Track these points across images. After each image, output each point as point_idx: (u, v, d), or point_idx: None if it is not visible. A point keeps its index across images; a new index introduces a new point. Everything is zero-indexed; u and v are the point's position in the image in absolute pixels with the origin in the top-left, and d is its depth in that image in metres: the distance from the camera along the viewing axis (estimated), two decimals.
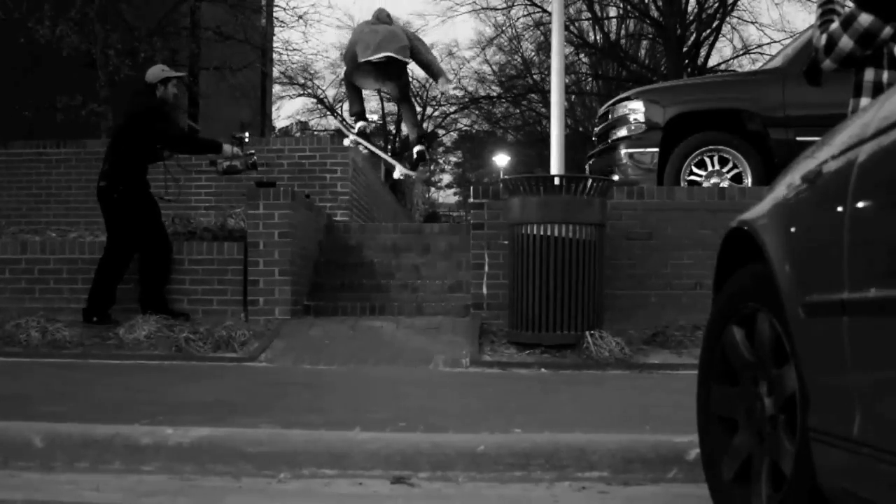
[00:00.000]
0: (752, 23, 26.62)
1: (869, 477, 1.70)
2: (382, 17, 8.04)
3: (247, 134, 7.28)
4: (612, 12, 27.01)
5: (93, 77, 11.17)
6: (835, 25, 3.38)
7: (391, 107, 35.24)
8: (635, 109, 7.63)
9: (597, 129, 8.41)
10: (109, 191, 6.71)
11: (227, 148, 6.96)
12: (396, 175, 8.00)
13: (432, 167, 43.47)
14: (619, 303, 6.61)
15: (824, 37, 3.41)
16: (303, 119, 35.20)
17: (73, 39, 10.85)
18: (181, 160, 7.51)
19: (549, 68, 14.11)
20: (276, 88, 28.31)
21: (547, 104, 20.60)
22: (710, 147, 7.45)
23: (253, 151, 7.05)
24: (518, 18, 27.42)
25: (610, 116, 7.96)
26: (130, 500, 2.83)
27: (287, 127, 34.16)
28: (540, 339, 6.02)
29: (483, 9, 27.20)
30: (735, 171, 7.42)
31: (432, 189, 44.36)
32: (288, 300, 6.89)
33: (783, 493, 2.04)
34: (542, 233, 5.99)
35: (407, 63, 7.73)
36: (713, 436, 2.44)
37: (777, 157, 7.05)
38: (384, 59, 7.60)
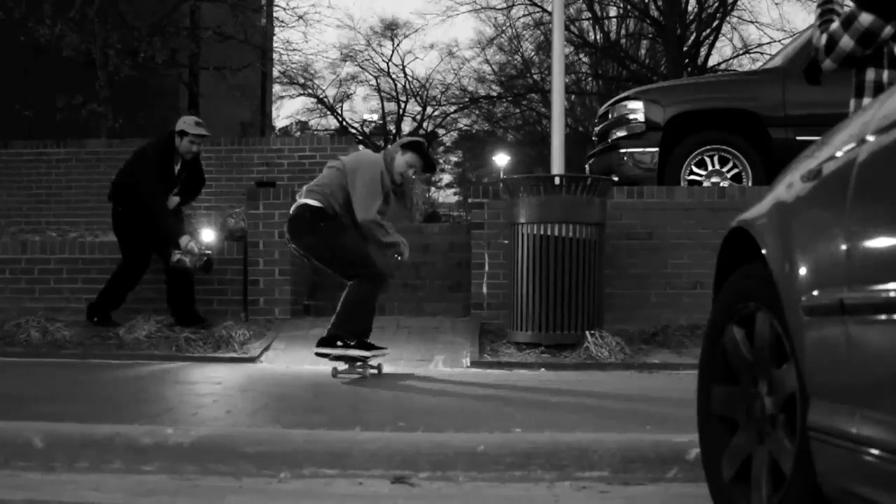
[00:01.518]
0: (752, 22, 26.70)
1: (869, 477, 1.70)
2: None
3: (210, 232, 6.89)
4: (612, 12, 27.04)
5: (93, 77, 11.17)
6: (835, 25, 3.38)
7: (391, 105, 35.28)
8: (635, 109, 7.63)
9: (597, 129, 8.41)
10: (114, 210, 6.75)
11: (183, 240, 6.46)
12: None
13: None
14: (619, 303, 6.61)
15: (824, 37, 3.41)
16: (303, 119, 35.22)
17: (73, 39, 10.86)
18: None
19: (549, 68, 14.11)
20: (276, 88, 28.35)
21: (547, 104, 20.62)
22: (710, 147, 7.45)
23: (209, 252, 6.60)
24: (518, 18, 27.48)
25: (610, 116, 7.96)
26: (130, 500, 2.83)
27: (287, 127, 34.16)
28: (540, 339, 6.03)
29: (483, 9, 27.26)
30: (735, 170, 7.42)
31: (432, 189, 44.35)
32: (288, 300, 6.89)
33: (783, 493, 2.04)
34: (542, 233, 5.99)
35: (305, 208, 5.28)
36: (713, 436, 2.44)
37: (777, 157, 7.05)
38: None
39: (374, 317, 5.41)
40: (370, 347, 5.30)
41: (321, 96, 33.95)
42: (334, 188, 5.28)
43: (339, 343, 5.17)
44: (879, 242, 1.71)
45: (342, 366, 5.27)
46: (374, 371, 5.35)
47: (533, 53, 28.98)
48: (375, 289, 5.31)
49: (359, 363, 5.27)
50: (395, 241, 5.33)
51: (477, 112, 33.84)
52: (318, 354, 5.22)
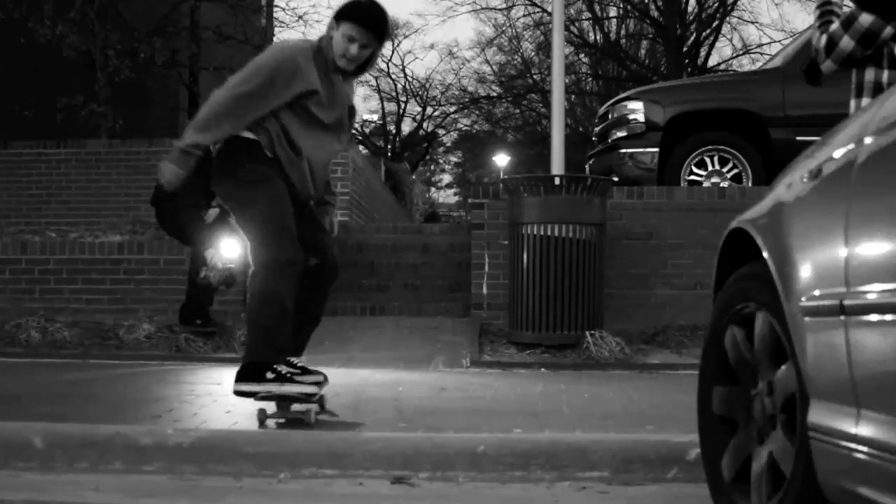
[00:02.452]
0: (752, 23, 26.69)
1: (869, 476, 1.70)
2: None
3: (233, 244, 6.69)
4: (612, 12, 27.05)
5: (93, 77, 11.17)
6: (835, 26, 3.38)
7: (391, 106, 35.24)
8: (635, 109, 7.63)
9: (597, 129, 8.42)
10: (157, 213, 6.67)
11: (208, 254, 6.14)
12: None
13: (432, 167, 43.47)
14: (619, 303, 6.61)
15: (824, 37, 3.41)
16: None
17: (73, 39, 10.86)
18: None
19: (549, 68, 14.11)
20: None
21: (547, 104, 20.61)
22: (710, 147, 7.46)
23: (232, 265, 6.25)
24: (518, 18, 27.50)
25: (610, 116, 7.96)
26: (130, 500, 2.83)
27: None
28: (540, 339, 6.03)
29: (483, 9, 27.29)
30: (735, 171, 7.42)
31: (432, 189, 44.38)
32: None
33: (783, 493, 2.04)
34: (542, 233, 5.99)
35: (231, 141, 3.72)
36: (713, 436, 2.44)
37: (777, 157, 7.05)
38: None
39: (308, 327, 3.88)
40: (304, 372, 3.64)
41: None
42: (278, 115, 3.65)
43: (269, 374, 3.54)
44: (879, 243, 1.71)
45: (272, 406, 3.68)
46: (316, 406, 3.75)
47: (533, 54, 29.01)
48: (283, 282, 3.58)
49: (296, 400, 3.65)
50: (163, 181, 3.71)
51: (477, 112, 33.87)
52: (238, 394, 3.59)
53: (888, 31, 3.27)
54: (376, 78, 34.48)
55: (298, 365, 3.63)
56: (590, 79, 28.54)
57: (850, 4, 3.30)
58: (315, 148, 3.71)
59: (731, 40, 33.69)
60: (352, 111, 3.88)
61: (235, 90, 3.58)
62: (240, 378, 3.58)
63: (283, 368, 3.55)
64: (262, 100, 3.58)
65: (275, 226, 3.59)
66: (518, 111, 31.97)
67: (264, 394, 3.56)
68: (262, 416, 3.63)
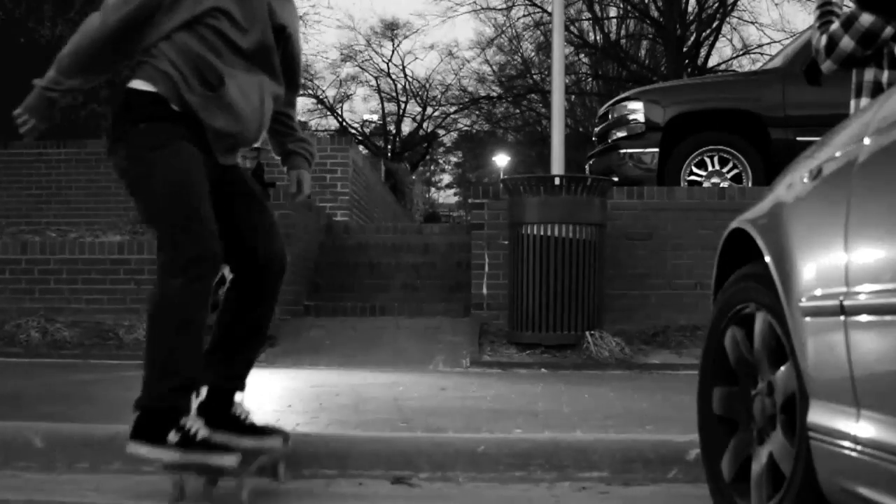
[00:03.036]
0: (752, 23, 26.62)
1: (869, 476, 1.70)
2: None
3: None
4: (612, 12, 27.02)
5: None
6: (835, 26, 3.38)
7: (391, 106, 35.24)
8: (635, 109, 7.64)
9: (597, 129, 8.42)
10: None
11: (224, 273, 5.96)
12: None
13: (432, 167, 43.49)
14: (619, 303, 6.61)
15: (824, 38, 3.40)
16: (303, 119, 35.20)
17: None
18: None
19: (549, 68, 14.12)
20: None
21: (547, 104, 20.60)
22: (710, 147, 7.46)
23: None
24: (518, 19, 27.46)
25: (610, 116, 7.97)
26: (130, 500, 2.83)
27: None
28: (540, 339, 6.03)
29: (483, 9, 27.24)
30: (735, 171, 7.42)
31: (432, 189, 44.39)
32: (288, 300, 6.88)
33: (783, 493, 2.04)
34: (542, 233, 6.00)
35: (126, 96, 2.87)
36: (713, 436, 2.44)
37: (777, 157, 7.06)
38: None
39: (252, 342, 2.95)
40: (240, 429, 2.83)
41: (321, 97, 33.96)
42: (180, 46, 2.70)
43: (171, 436, 2.61)
44: (879, 243, 1.71)
45: (191, 477, 2.76)
46: (268, 479, 2.93)
47: (533, 54, 28.99)
48: (186, 287, 2.61)
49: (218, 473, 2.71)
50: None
51: (477, 112, 33.85)
52: (134, 457, 2.68)
53: (888, 31, 3.27)
54: (376, 78, 34.51)
55: (241, 415, 2.86)
56: (590, 79, 28.52)
57: (850, 4, 3.30)
58: (236, 81, 2.73)
59: (731, 40, 33.63)
60: (280, 30, 2.84)
61: (114, 14, 2.68)
62: (134, 434, 2.63)
63: (193, 426, 2.63)
64: (148, 26, 2.70)
65: (176, 208, 2.64)
66: (518, 111, 31.95)
67: (169, 461, 2.63)
68: (178, 495, 2.74)
